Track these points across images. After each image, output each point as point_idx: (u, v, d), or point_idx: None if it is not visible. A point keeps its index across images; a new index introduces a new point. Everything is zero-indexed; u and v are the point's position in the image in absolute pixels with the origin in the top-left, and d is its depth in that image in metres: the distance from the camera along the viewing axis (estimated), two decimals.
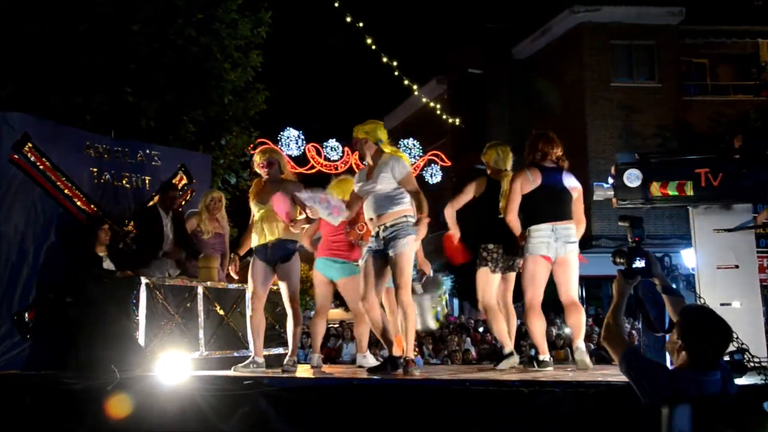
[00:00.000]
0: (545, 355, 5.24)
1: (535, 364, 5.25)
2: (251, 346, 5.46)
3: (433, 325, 5.45)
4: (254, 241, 5.39)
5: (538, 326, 5.18)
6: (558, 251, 5.05)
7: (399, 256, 4.73)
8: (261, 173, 5.48)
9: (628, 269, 3.20)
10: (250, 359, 5.39)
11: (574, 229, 5.12)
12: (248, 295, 5.43)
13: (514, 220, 5.15)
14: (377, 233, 4.87)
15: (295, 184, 5.38)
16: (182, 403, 4.41)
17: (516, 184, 5.14)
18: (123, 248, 6.94)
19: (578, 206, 5.20)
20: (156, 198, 6.96)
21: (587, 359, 5.00)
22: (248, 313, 5.34)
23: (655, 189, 4.47)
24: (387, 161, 4.90)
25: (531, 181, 5.09)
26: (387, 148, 5.03)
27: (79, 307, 5.62)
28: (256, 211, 5.45)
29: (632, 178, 4.46)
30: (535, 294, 5.11)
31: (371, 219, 4.91)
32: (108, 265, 6.23)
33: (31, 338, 5.84)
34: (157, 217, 6.57)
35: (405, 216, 4.83)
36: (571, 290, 5.14)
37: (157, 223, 6.51)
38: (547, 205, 5.08)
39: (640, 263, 3.20)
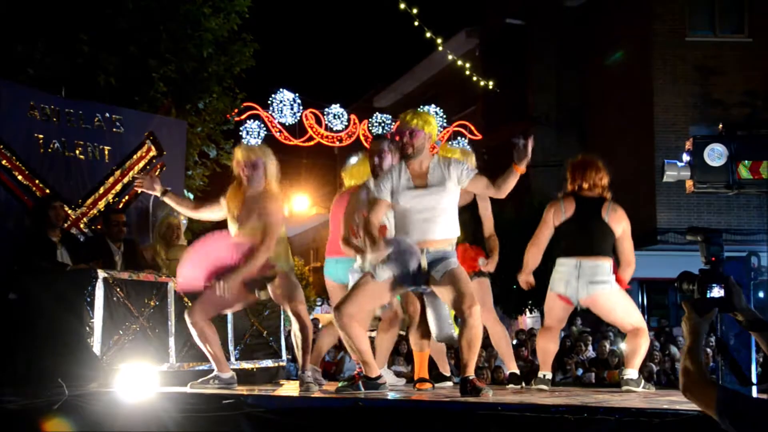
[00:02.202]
0: (544, 372, 5.58)
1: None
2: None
3: (452, 331, 5.45)
4: None
5: (545, 347, 5.60)
6: (579, 292, 5.31)
7: (454, 271, 4.70)
8: (241, 176, 5.28)
9: (701, 300, 2.91)
10: (212, 374, 5.35)
11: (605, 267, 5.32)
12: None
13: (531, 254, 5.50)
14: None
15: (273, 202, 5.19)
16: (147, 425, 4.42)
17: (548, 215, 5.47)
18: (75, 234, 6.97)
19: (625, 244, 5.45)
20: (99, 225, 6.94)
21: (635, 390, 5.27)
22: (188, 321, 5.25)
23: (744, 170, 4.41)
24: (450, 164, 4.79)
25: (563, 212, 5.40)
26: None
27: (20, 307, 5.63)
28: (230, 228, 5.34)
29: (714, 155, 4.38)
30: (551, 324, 5.57)
31: (419, 241, 4.72)
32: (63, 254, 6.23)
33: None
34: (104, 250, 6.49)
35: (451, 245, 4.82)
36: (624, 324, 5.45)
37: (104, 256, 6.39)
38: (576, 239, 5.36)
39: (717, 292, 2.91)
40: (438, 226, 4.75)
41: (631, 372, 5.37)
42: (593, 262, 5.28)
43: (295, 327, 5.32)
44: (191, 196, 10.12)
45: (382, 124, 19.65)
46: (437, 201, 4.74)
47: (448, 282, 4.68)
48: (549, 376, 5.58)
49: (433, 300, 5.17)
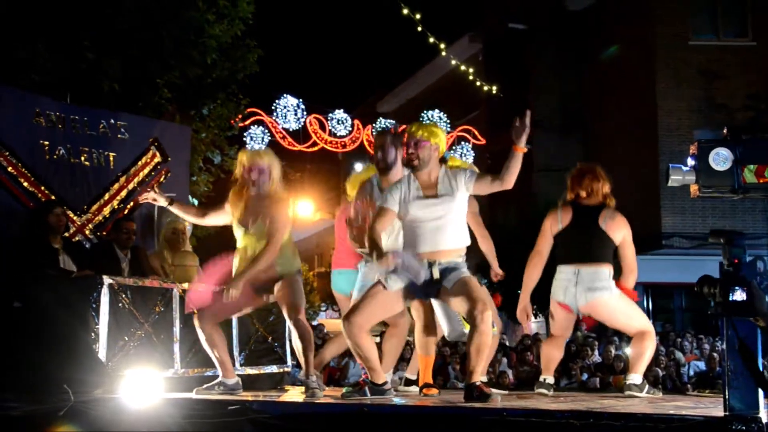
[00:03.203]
0: (545, 376, 5.56)
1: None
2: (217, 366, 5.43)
3: (464, 329, 5.44)
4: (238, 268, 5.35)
5: (549, 353, 5.61)
6: (578, 299, 5.31)
7: (466, 278, 4.69)
8: (245, 181, 5.29)
9: (724, 304, 2.87)
10: (217, 380, 5.37)
11: (604, 273, 5.32)
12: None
13: (530, 267, 5.47)
14: (427, 268, 4.73)
15: (279, 205, 5.21)
16: (153, 431, 4.41)
17: (545, 225, 5.49)
18: (80, 241, 6.98)
19: (626, 252, 5.43)
20: (107, 228, 6.98)
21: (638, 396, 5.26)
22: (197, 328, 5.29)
23: (750, 174, 4.37)
24: (456, 173, 4.80)
25: (559, 222, 5.41)
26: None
27: (25, 313, 5.64)
28: (236, 233, 5.36)
29: (719, 159, 4.35)
30: (556, 333, 5.57)
31: (428, 252, 4.71)
32: (65, 260, 6.23)
33: None
34: (111, 256, 6.50)
35: (461, 256, 4.80)
36: (629, 328, 5.47)
37: (111, 262, 6.41)
38: (574, 246, 5.36)
39: (739, 296, 2.88)
40: (448, 235, 4.74)
41: (635, 377, 5.36)
42: (591, 268, 5.28)
43: (294, 335, 5.31)
44: (196, 202, 10.14)
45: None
46: (447, 210, 4.74)
47: (460, 289, 4.67)
48: (551, 380, 5.56)
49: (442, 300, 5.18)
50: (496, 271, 5.72)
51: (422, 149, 4.79)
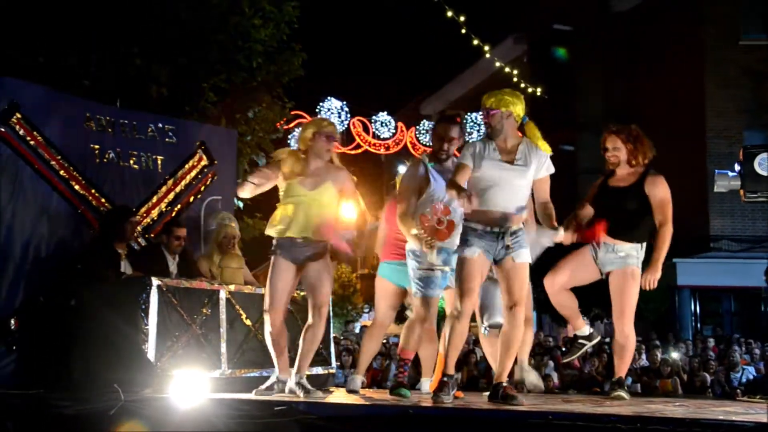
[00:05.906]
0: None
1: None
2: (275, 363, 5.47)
3: (502, 320, 5.39)
4: (278, 228, 5.26)
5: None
6: None
7: (523, 267, 4.78)
8: (319, 149, 5.32)
9: None
10: (274, 379, 5.39)
11: None
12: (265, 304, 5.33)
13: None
14: (498, 233, 4.76)
15: (346, 175, 5.38)
16: (200, 431, 4.48)
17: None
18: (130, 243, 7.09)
19: None
20: (155, 231, 7.07)
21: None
22: (266, 329, 5.32)
23: None
24: (536, 152, 4.86)
25: None
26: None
27: (76, 314, 5.75)
28: (294, 192, 5.27)
29: (765, 164, 4.32)
30: None
31: (499, 215, 4.74)
32: (125, 266, 6.35)
33: (17, 351, 6.00)
34: (160, 259, 6.58)
35: (523, 224, 4.86)
36: None
37: (160, 265, 6.46)
38: None
39: None
40: (519, 203, 4.80)
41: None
42: None
43: (311, 329, 5.30)
44: (241, 205, 10.24)
45: (430, 132, 19.64)
46: (521, 178, 4.80)
47: (513, 276, 4.75)
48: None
49: (488, 287, 5.19)
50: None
51: (492, 117, 4.84)
